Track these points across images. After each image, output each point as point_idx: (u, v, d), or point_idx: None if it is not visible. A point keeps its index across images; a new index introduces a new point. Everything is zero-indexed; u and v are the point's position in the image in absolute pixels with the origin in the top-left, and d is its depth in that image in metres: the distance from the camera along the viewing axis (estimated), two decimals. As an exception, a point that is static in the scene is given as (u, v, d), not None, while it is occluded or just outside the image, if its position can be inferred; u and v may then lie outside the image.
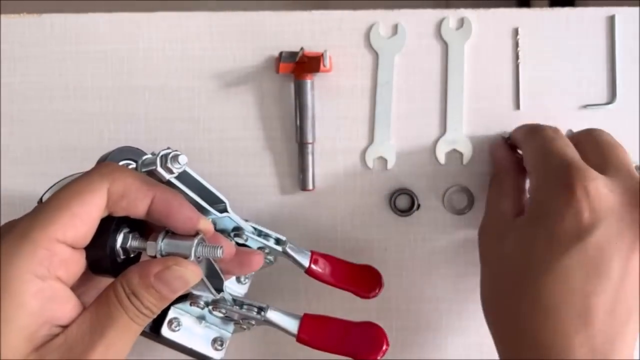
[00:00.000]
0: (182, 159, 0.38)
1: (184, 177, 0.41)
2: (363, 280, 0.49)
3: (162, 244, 0.35)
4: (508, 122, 0.54)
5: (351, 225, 0.55)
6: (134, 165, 0.40)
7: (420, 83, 0.54)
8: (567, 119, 0.54)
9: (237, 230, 0.46)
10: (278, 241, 0.48)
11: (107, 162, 0.37)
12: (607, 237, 0.39)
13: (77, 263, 0.34)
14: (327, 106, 0.54)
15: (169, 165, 0.38)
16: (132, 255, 0.37)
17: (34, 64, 0.55)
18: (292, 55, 0.52)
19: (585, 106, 0.54)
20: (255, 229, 0.47)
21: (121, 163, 0.40)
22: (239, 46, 0.54)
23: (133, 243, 0.36)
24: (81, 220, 0.33)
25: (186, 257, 0.35)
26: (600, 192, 0.39)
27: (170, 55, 0.54)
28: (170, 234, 0.36)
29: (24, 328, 0.31)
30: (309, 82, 0.53)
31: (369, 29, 0.54)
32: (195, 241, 0.35)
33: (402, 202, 0.55)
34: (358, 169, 0.55)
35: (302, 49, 0.51)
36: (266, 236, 0.47)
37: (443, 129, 0.54)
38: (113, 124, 0.55)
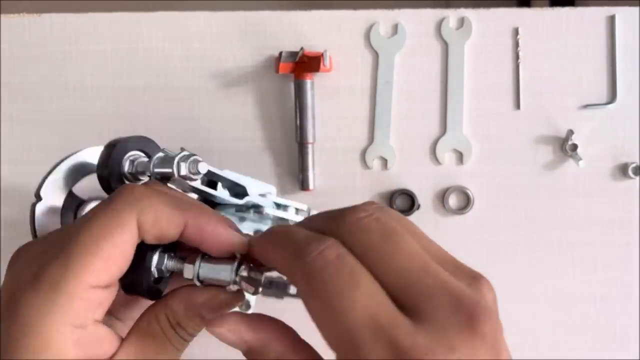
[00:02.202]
0: (202, 167, 0.37)
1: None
2: None
3: (199, 270, 0.34)
4: (508, 122, 0.54)
5: (351, 225, 0.55)
6: (144, 159, 0.39)
7: (420, 83, 0.54)
8: (567, 119, 0.54)
9: (257, 208, 0.46)
10: (297, 211, 0.48)
11: (132, 186, 0.33)
12: None
13: (113, 294, 0.32)
14: (327, 106, 0.54)
15: (188, 173, 0.36)
16: (167, 276, 0.36)
17: (34, 64, 0.55)
18: (292, 55, 0.52)
19: (585, 106, 0.54)
20: (275, 203, 0.47)
21: (130, 153, 0.39)
22: (239, 46, 0.54)
23: (169, 263, 0.34)
24: (114, 262, 0.30)
25: (226, 283, 0.34)
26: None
27: (170, 55, 0.54)
28: (208, 256, 0.34)
29: None
30: (309, 82, 0.53)
31: (369, 29, 0.54)
32: (234, 268, 0.33)
33: (402, 202, 0.55)
34: (358, 169, 0.55)
35: (302, 49, 0.51)
36: (285, 207, 0.47)
37: (443, 129, 0.54)
38: (113, 124, 0.54)
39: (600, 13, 0.54)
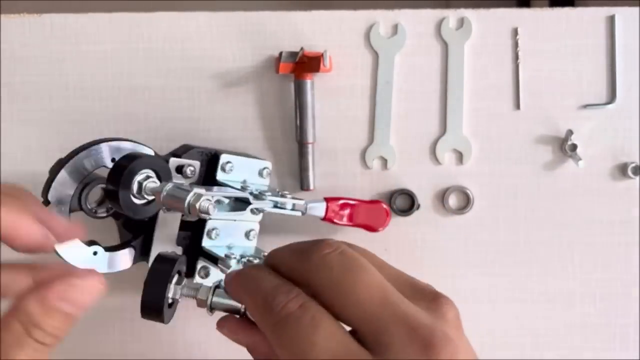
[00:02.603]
0: (212, 209, 0.38)
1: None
2: (373, 215, 0.52)
3: (213, 299, 0.36)
4: (508, 122, 0.54)
5: (351, 225, 0.55)
6: (153, 183, 0.40)
7: (420, 83, 0.54)
8: (567, 119, 0.54)
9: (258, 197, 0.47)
10: (294, 206, 0.49)
11: None
12: None
13: None
14: (327, 106, 0.54)
15: (198, 213, 0.38)
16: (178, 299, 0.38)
17: (34, 64, 0.55)
18: (292, 55, 0.52)
19: (585, 106, 0.54)
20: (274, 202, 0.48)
21: (141, 172, 0.40)
22: (239, 46, 0.54)
23: (183, 292, 0.37)
24: None
25: (238, 311, 0.35)
26: None
27: (170, 55, 0.54)
28: (219, 287, 0.36)
29: None
30: (309, 82, 0.53)
31: (369, 29, 0.54)
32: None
33: (402, 202, 0.55)
34: (358, 169, 0.55)
35: (302, 49, 0.51)
36: (283, 205, 0.48)
37: (443, 129, 0.54)
38: (113, 124, 0.55)
39: (600, 13, 0.54)
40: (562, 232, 0.54)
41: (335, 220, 0.51)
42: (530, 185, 0.54)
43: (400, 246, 0.54)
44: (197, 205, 0.37)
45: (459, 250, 0.55)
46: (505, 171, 0.54)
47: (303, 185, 0.53)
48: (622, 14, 0.54)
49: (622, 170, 0.54)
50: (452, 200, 0.54)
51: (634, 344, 0.54)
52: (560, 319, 0.55)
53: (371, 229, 0.52)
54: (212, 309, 0.35)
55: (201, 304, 0.36)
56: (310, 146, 0.53)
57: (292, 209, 0.48)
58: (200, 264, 0.48)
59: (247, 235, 0.50)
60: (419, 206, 0.54)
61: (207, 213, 0.38)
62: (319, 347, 0.27)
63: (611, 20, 0.54)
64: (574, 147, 0.53)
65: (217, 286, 0.36)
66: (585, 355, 0.54)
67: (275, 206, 0.47)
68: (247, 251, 0.49)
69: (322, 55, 0.51)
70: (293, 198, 0.48)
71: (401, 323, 0.28)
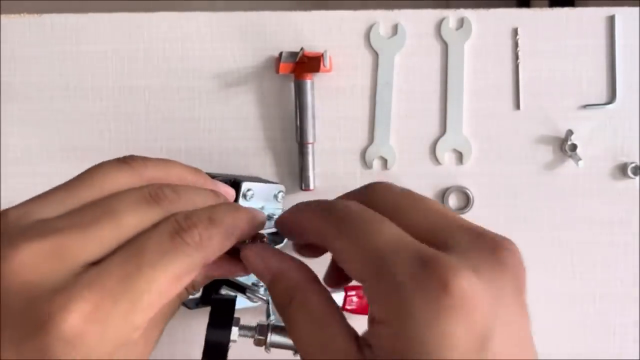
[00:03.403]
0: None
1: None
2: None
3: (272, 338, 0.36)
4: (508, 122, 0.54)
5: (351, 225, 0.55)
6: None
7: (420, 83, 0.54)
8: (567, 119, 0.54)
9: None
10: None
11: None
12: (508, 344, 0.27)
13: None
14: (327, 106, 0.54)
15: None
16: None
17: (34, 64, 0.55)
18: (292, 55, 0.52)
19: (585, 106, 0.54)
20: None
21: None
22: (239, 46, 0.54)
23: (241, 333, 0.38)
24: None
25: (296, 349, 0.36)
26: (473, 285, 0.25)
27: (170, 55, 0.54)
28: (275, 326, 0.37)
29: None
30: (309, 82, 0.53)
31: (369, 29, 0.54)
32: None
33: (402, 202, 0.55)
34: (358, 169, 0.55)
35: (302, 49, 0.51)
36: None
37: (443, 129, 0.54)
38: (113, 124, 0.55)
39: (599, 13, 0.54)
40: (562, 232, 0.54)
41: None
42: (530, 185, 0.54)
43: (400, 246, 0.54)
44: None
45: (459, 250, 0.54)
46: (505, 171, 0.54)
47: (303, 185, 0.53)
48: (622, 14, 0.54)
49: (622, 170, 0.54)
50: (452, 200, 0.54)
51: (633, 344, 0.54)
52: (560, 318, 0.55)
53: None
54: (270, 347, 0.36)
55: (259, 343, 0.36)
56: (310, 146, 0.53)
57: None
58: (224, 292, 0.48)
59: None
60: (419, 206, 0.54)
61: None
62: (385, 233, 0.27)
63: (611, 20, 0.54)
64: (574, 147, 0.53)
65: (274, 325, 0.36)
66: (585, 355, 0.54)
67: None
68: None
69: (322, 55, 0.51)
70: None
71: (468, 230, 0.29)
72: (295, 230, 0.32)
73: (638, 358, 0.54)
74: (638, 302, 0.54)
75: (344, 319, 0.28)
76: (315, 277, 0.30)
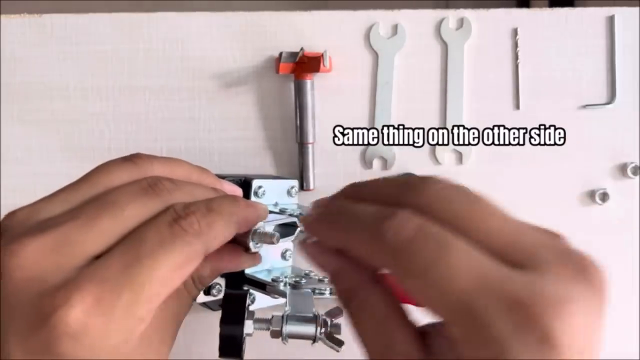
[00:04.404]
0: (276, 240, 0.35)
1: None
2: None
3: (288, 328, 0.36)
4: (508, 122, 0.54)
5: (351, 225, 0.55)
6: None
7: (420, 83, 0.54)
8: (566, 119, 0.54)
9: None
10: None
11: None
12: None
13: None
14: (327, 106, 0.54)
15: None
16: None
17: (34, 64, 0.55)
18: (292, 55, 0.52)
19: (585, 106, 0.54)
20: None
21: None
22: (239, 46, 0.54)
23: (256, 326, 0.37)
24: None
25: (314, 337, 0.35)
26: (574, 327, 0.23)
27: (170, 55, 0.54)
28: (290, 315, 0.36)
29: None
30: (309, 82, 0.53)
31: (369, 29, 0.54)
32: (317, 326, 0.36)
33: (402, 202, 0.55)
34: (358, 169, 0.55)
35: (302, 49, 0.51)
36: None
37: (443, 129, 0.54)
38: (113, 124, 0.55)
39: (599, 13, 0.54)
40: (561, 232, 0.54)
41: None
42: (529, 185, 0.54)
43: (400, 246, 0.54)
44: (263, 239, 0.36)
45: (459, 250, 0.54)
46: (505, 171, 0.54)
47: (303, 185, 0.53)
48: (621, 14, 0.54)
49: (622, 170, 0.54)
50: (452, 200, 0.54)
51: (634, 344, 0.54)
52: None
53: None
54: (287, 337, 0.36)
55: (275, 334, 0.36)
56: (310, 146, 0.53)
57: None
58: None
59: (283, 255, 0.49)
60: (419, 206, 0.54)
61: (273, 244, 0.36)
62: (461, 270, 0.23)
63: (611, 20, 0.54)
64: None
65: (288, 315, 0.36)
66: (585, 355, 0.54)
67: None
68: (285, 271, 0.48)
69: (322, 55, 0.51)
70: None
71: (549, 246, 0.26)
72: (333, 243, 0.29)
73: (638, 358, 0.54)
74: (638, 302, 0.54)
75: (405, 318, 0.27)
76: (374, 277, 0.28)
